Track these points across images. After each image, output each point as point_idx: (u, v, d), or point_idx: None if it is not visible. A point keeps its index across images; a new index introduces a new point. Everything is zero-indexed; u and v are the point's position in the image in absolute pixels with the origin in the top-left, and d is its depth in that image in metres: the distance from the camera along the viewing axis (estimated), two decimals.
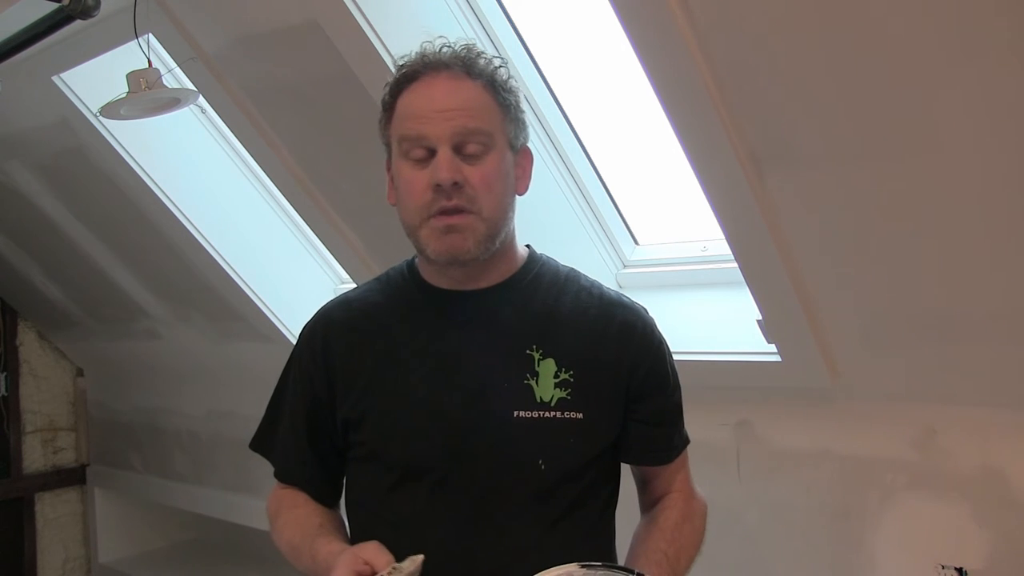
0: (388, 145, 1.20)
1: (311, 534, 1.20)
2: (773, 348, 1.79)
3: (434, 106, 1.13)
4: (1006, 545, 1.61)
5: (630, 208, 2.21)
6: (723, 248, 1.88)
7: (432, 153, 1.12)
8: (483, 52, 1.18)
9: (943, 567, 1.67)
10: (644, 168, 2.18)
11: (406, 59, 1.18)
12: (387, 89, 1.19)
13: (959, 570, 1.66)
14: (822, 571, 1.86)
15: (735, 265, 1.72)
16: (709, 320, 2.00)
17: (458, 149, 1.12)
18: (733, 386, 1.91)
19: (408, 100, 1.16)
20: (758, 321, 1.77)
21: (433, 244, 1.14)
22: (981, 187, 1.36)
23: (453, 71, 1.15)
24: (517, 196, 1.21)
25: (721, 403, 1.91)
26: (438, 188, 1.11)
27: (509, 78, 1.19)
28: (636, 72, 1.54)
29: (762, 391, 1.92)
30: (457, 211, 1.12)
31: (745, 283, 1.73)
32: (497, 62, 1.19)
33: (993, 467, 1.62)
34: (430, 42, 1.18)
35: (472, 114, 1.13)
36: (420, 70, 1.16)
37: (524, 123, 1.21)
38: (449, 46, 1.17)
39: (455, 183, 1.11)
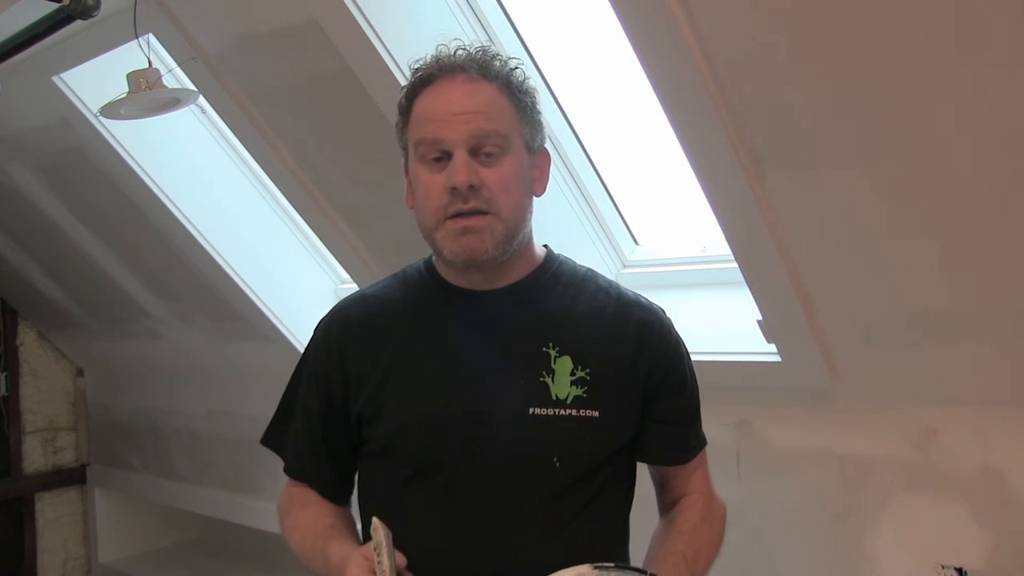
0: (405, 149, 1.20)
1: (322, 536, 1.20)
2: (773, 348, 1.79)
3: (450, 109, 1.13)
4: (1006, 545, 1.61)
5: (630, 208, 2.21)
6: (723, 248, 1.87)
7: (449, 156, 1.12)
8: (498, 54, 1.18)
9: (943, 567, 1.67)
10: (644, 168, 2.18)
11: (421, 62, 1.18)
12: (403, 93, 1.19)
13: (959, 570, 1.66)
14: (822, 571, 1.86)
15: (735, 265, 1.72)
16: (709, 320, 1.99)
17: (474, 152, 1.12)
18: (733, 386, 1.91)
19: (424, 104, 1.15)
20: (758, 321, 1.77)
21: (449, 245, 1.14)
22: (981, 187, 1.36)
23: (468, 73, 1.14)
24: (535, 197, 1.21)
25: (721, 403, 1.89)
26: (454, 191, 1.11)
27: (526, 79, 1.19)
28: (636, 72, 1.54)
29: (762, 391, 1.92)
30: (475, 212, 1.12)
31: (745, 283, 1.73)
32: (513, 63, 1.18)
33: (993, 467, 1.62)
34: (445, 45, 1.17)
35: (488, 116, 1.13)
36: (435, 73, 1.15)
37: (541, 124, 1.21)
38: (464, 48, 1.16)
39: (471, 186, 1.11)
